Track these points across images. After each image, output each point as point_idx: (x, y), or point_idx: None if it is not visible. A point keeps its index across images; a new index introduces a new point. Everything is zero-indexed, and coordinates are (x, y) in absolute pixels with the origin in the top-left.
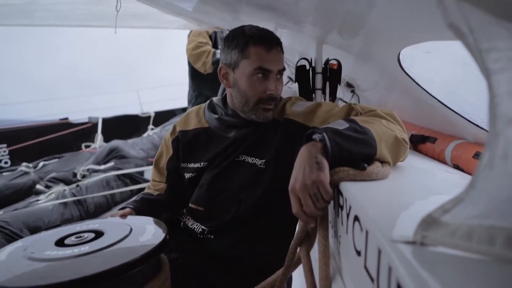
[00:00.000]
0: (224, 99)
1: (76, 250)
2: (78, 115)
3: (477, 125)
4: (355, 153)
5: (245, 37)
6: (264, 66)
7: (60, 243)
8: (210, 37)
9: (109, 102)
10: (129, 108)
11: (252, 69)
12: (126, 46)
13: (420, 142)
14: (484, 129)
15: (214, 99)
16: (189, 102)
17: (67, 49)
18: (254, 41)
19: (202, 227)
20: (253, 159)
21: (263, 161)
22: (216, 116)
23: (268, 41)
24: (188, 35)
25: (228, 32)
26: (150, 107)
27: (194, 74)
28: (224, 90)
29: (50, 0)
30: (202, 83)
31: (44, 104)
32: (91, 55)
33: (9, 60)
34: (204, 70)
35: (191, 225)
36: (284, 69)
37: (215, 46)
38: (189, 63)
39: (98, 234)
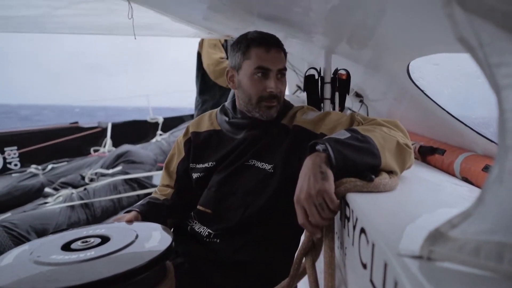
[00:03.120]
0: (234, 102)
1: (82, 255)
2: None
3: (486, 138)
4: (359, 162)
5: (247, 40)
6: (264, 65)
7: (66, 247)
8: (222, 45)
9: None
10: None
11: (253, 69)
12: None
13: (428, 154)
14: (494, 142)
15: (226, 103)
16: (196, 107)
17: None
18: (255, 43)
19: (209, 230)
20: (262, 164)
21: (272, 165)
22: (227, 119)
23: (267, 42)
24: (200, 43)
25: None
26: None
27: (201, 80)
28: (233, 95)
29: (63, 12)
30: (211, 89)
31: (52, 89)
32: (99, 39)
33: (17, 46)
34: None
35: (197, 228)
36: (284, 68)
37: (227, 55)
38: (197, 69)
39: (105, 239)
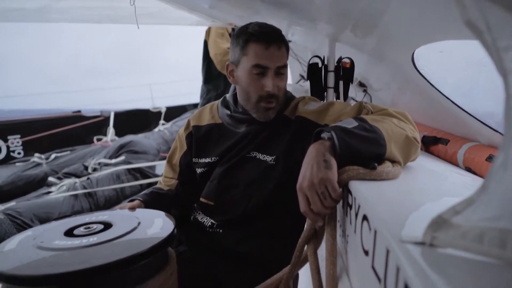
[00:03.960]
0: (235, 95)
1: (85, 241)
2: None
3: (491, 128)
4: (364, 151)
5: (246, 34)
6: (261, 63)
7: (69, 233)
8: (229, 35)
9: (119, 93)
10: (137, 97)
11: (250, 66)
12: (131, 31)
13: (432, 144)
14: (498, 132)
15: (227, 95)
16: (201, 96)
17: (71, 37)
18: (254, 38)
19: (212, 220)
20: (264, 156)
21: (273, 157)
22: (228, 112)
23: (267, 38)
24: (207, 32)
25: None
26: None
27: (207, 69)
28: (235, 87)
29: (64, 4)
30: (215, 78)
31: (52, 95)
32: (96, 42)
33: (14, 51)
34: None
35: (200, 218)
36: (284, 65)
37: None
38: (203, 57)
39: (107, 225)
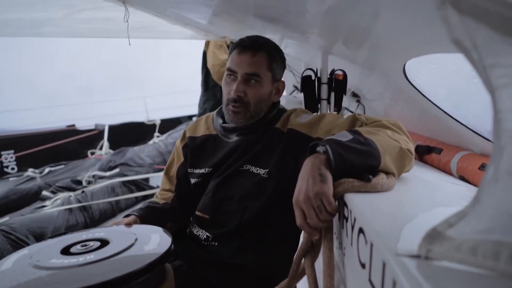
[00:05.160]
0: None
1: (82, 259)
2: (79, 121)
3: (483, 137)
4: (359, 164)
5: (233, 44)
6: (231, 68)
7: (65, 251)
8: (228, 46)
9: (113, 107)
10: (131, 110)
11: (225, 70)
12: (124, 49)
13: (425, 153)
14: (490, 141)
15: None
16: (198, 105)
17: (65, 55)
18: (235, 47)
19: (207, 233)
20: (257, 169)
21: (267, 170)
22: (221, 121)
23: (243, 44)
24: (206, 43)
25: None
26: (156, 111)
27: (206, 79)
28: None
29: (59, 15)
30: (212, 88)
31: (46, 110)
32: (89, 60)
33: (8, 67)
34: None
35: (196, 232)
36: (254, 74)
37: None
38: (202, 67)
39: (104, 242)
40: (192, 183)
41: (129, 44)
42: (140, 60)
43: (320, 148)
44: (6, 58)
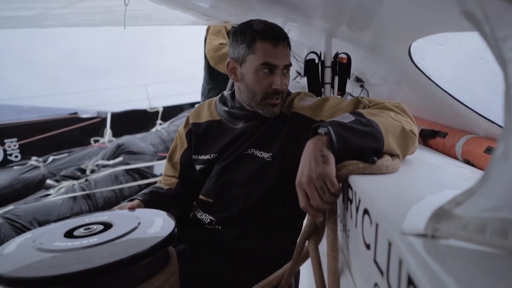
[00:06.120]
0: (233, 92)
1: (85, 242)
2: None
3: (489, 120)
4: (361, 145)
5: (253, 32)
6: (270, 61)
7: (69, 234)
8: (228, 33)
9: (115, 95)
10: (133, 98)
11: (259, 64)
12: (126, 36)
13: (430, 137)
14: (496, 124)
15: (225, 92)
16: (202, 94)
17: (63, 36)
18: (261, 37)
19: (211, 217)
20: (261, 153)
21: (270, 154)
22: (226, 108)
23: (274, 36)
24: (207, 29)
25: (236, 27)
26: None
27: (209, 67)
28: (232, 84)
29: (59, 11)
30: (216, 77)
31: (49, 96)
32: (90, 42)
33: (6, 45)
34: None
35: (200, 216)
36: (290, 64)
37: None
38: (205, 57)
39: (107, 226)
40: (197, 169)
41: (124, 28)
42: (142, 48)
43: (321, 130)
44: (4, 35)
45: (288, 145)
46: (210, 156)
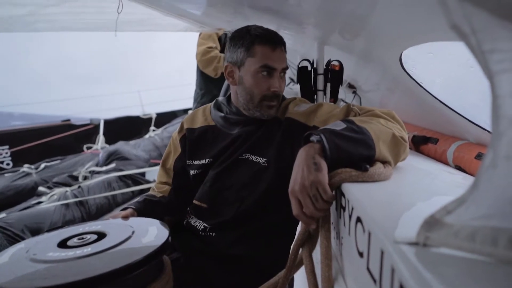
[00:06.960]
0: (228, 98)
1: (79, 252)
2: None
3: (479, 126)
4: (353, 152)
5: (251, 36)
6: (269, 64)
7: (62, 244)
8: (219, 38)
9: (108, 101)
10: (126, 104)
11: (258, 67)
12: (118, 43)
13: (422, 143)
14: (487, 130)
15: (220, 98)
16: (194, 100)
17: (56, 41)
18: (260, 40)
19: (204, 224)
20: (256, 158)
21: (265, 159)
22: (222, 114)
23: (273, 40)
24: (199, 34)
25: (232, 32)
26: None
27: (201, 73)
28: (227, 89)
29: (51, 10)
30: (209, 82)
31: (42, 103)
32: (81, 48)
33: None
34: (215, 74)
35: (193, 222)
36: (287, 67)
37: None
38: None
39: (101, 235)
40: (191, 174)
41: (115, 35)
42: (134, 55)
43: (314, 137)
44: None
45: (282, 150)
46: (205, 161)
